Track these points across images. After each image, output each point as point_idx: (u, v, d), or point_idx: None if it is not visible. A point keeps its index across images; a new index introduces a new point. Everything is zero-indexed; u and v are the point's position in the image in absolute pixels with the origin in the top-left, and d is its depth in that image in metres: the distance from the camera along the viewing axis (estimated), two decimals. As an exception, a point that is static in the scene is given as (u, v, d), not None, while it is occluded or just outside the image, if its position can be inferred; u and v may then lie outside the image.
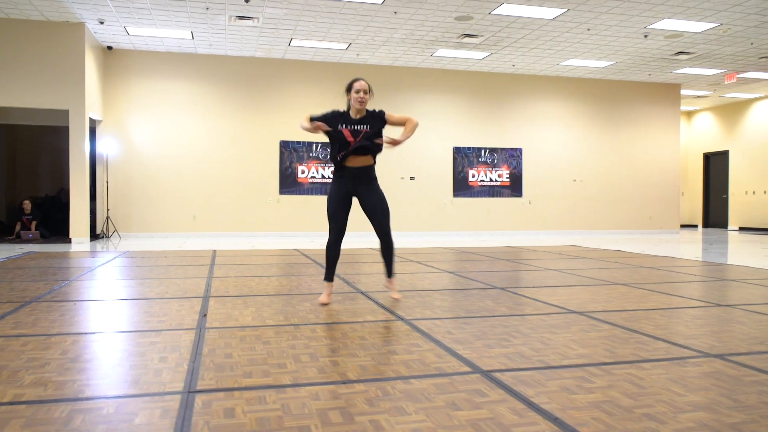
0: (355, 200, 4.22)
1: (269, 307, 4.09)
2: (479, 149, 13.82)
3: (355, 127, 4.09)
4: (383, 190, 4.27)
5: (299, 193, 12.71)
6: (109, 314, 3.89)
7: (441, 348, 2.96)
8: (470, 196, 13.75)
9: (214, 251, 8.50)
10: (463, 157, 13.73)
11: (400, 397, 2.20)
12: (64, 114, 10.56)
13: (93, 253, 8.43)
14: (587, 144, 14.53)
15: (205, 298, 4.45)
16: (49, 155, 14.54)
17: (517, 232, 13.91)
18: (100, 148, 11.72)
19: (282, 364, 2.65)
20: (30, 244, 10.12)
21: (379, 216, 4.16)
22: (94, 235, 11.45)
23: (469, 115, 13.77)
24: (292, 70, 12.71)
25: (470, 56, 12.34)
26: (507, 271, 6.44)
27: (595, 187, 14.57)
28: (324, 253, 4.29)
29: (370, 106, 4.21)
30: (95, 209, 11.78)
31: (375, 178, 4.23)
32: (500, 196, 13.95)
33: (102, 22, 10.21)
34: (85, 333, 3.30)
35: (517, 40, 11.19)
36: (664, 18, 9.85)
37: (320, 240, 11.10)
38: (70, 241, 10.45)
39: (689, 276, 6.03)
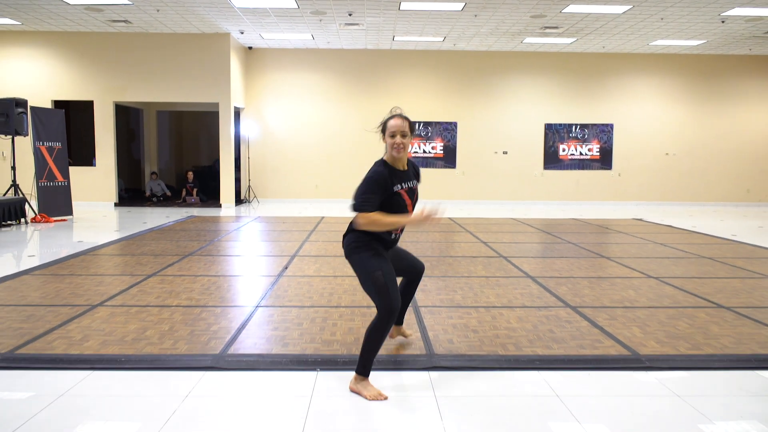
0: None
1: (329, 265, 6.24)
2: (570, 125, 14.93)
3: (408, 185, 3.10)
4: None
5: (403, 166, 14.74)
6: (232, 264, 6.25)
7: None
8: (560, 169, 14.98)
9: (321, 218, 10.87)
10: (554, 133, 14.94)
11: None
12: (216, 102, 13.40)
13: (235, 217, 11.17)
14: (681, 118, 15.02)
15: (293, 257, 6.70)
16: (206, 133, 17.80)
17: (606, 203, 14.96)
18: (243, 131, 14.57)
19: (310, 297, 4.77)
20: (192, 208, 13.21)
21: (411, 255, 3.47)
22: (238, 200, 14.39)
23: (560, 93, 14.88)
24: (398, 59, 14.62)
25: (558, 41, 13.46)
26: (512, 243, 8.09)
27: (689, 160, 15.08)
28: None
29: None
30: (240, 179, 14.72)
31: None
32: (589, 169, 15.02)
33: (242, 32, 12.79)
34: (212, 276, 5.65)
35: (597, 29, 12.19)
36: (735, 7, 10.41)
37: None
38: (220, 206, 13.42)
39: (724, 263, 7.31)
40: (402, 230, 3.17)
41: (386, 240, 3.08)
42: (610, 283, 5.46)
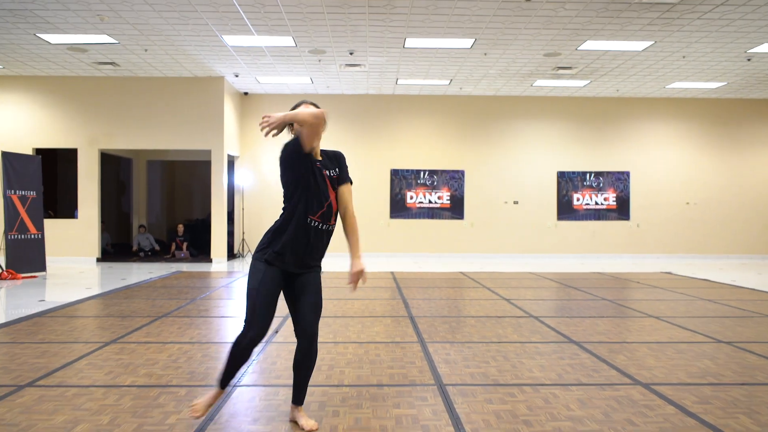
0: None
1: (328, 327, 5.20)
2: (584, 173, 14.07)
3: (329, 172, 2.95)
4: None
5: (408, 217, 13.81)
6: (211, 328, 5.21)
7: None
8: (574, 220, 14.03)
9: (321, 273, 9.83)
10: (568, 182, 14.06)
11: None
12: (209, 151, 12.56)
13: (224, 273, 10.14)
14: (702, 165, 14.18)
15: (286, 317, 5.66)
16: (200, 184, 16.94)
17: (624, 256, 13.93)
18: (238, 181, 13.69)
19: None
20: (181, 263, 12.18)
21: (314, 311, 2.95)
22: (231, 255, 13.37)
23: (573, 139, 14.09)
24: (402, 104, 13.90)
25: (570, 84, 12.75)
26: (534, 300, 7.04)
27: (711, 209, 14.15)
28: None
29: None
30: (233, 232, 13.74)
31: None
32: (606, 219, 14.06)
33: (237, 75, 12.08)
34: (184, 342, 4.60)
35: (613, 69, 11.48)
36: (764, 42, 9.72)
37: (425, 260, 12.12)
38: (211, 261, 12.39)
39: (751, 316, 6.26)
40: (324, 222, 2.92)
41: (298, 238, 2.84)
42: (675, 350, 4.42)
